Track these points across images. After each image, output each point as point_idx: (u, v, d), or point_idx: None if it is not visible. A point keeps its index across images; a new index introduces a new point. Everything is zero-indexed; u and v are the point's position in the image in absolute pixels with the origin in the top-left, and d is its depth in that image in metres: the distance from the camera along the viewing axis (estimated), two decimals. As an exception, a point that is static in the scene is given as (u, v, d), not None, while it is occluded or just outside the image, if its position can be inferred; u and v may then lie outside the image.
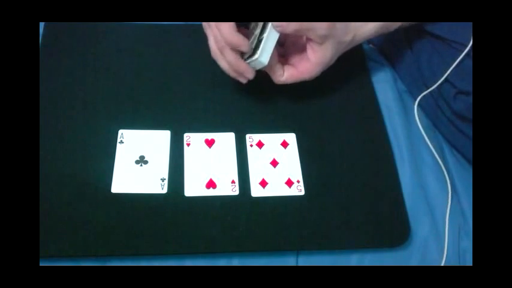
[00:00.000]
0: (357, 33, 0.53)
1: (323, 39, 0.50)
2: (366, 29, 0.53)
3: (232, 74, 0.52)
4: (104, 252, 0.46)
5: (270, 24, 0.48)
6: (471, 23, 0.50)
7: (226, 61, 0.51)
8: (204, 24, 0.52)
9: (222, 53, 0.51)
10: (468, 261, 0.51)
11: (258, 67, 0.51)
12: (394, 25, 0.55)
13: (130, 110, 0.55)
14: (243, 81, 0.53)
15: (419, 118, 0.58)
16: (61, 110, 0.54)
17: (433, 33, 0.56)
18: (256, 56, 0.49)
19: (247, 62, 0.50)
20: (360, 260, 0.49)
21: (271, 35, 0.49)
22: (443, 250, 0.51)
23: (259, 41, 0.49)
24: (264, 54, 0.49)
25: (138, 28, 0.62)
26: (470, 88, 0.52)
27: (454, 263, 0.51)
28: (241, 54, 0.51)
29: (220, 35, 0.49)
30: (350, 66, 0.60)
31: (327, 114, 0.58)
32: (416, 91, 0.60)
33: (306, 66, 0.53)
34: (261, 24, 0.50)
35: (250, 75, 0.52)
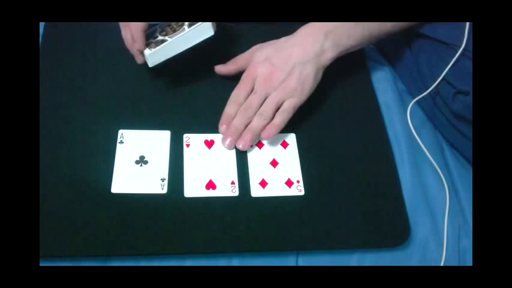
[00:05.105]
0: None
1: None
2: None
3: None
4: (104, 252, 0.46)
5: (179, 36, 0.51)
6: (465, 25, 0.50)
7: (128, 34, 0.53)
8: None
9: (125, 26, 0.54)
10: (468, 261, 0.51)
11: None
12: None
13: (130, 110, 0.55)
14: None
15: (415, 118, 0.57)
16: (61, 110, 0.54)
17: (429, 35, 0.56)
18: (146, 52, 0.51)
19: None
20: (360, 260, 0.49)
21: (175, 44, 0.51)
22: (443, 250, 0.51)
23: (162, 41, 0.51)
24: (155, 57, 0.52)
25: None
26: (468, 88, 0.52)
27: (453, 262, 0.51)
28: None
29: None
30: (350, 66, 0.60)
31: (327, 114, 0.58)
32: (416, 91, 0.60)
33: None
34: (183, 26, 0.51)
35: (139, 61, 0.54)
